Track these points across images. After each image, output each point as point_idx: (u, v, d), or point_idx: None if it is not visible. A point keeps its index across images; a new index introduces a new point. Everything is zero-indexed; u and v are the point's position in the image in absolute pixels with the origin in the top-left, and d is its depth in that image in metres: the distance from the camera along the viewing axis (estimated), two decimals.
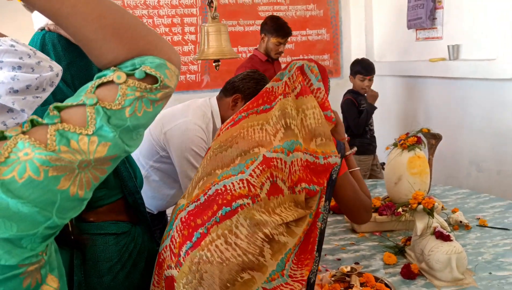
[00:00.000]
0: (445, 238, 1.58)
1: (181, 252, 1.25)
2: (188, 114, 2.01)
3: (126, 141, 0.70)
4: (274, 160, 1.29)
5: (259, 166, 1.28)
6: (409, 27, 3.66)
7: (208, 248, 1.21)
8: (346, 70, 4.59)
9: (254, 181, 1.26)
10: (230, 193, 1.26)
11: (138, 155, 2.05)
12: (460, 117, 3.39)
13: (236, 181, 1.27)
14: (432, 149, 2.24)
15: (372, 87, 3.50)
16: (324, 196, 1.36)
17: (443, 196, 2.51)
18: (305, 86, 1.43)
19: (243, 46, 4.31)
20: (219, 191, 1.28)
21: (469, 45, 3.22)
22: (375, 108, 3.46)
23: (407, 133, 2.18)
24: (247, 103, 1.49)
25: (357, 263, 1.74)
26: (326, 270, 1.67)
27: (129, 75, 0.70)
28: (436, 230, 1.62)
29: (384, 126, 3.82)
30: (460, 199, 2.45)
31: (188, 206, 1.33)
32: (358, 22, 4.47)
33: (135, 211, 1.38)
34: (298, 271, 1.28)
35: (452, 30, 3.37)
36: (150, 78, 0.71)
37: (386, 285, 1.51)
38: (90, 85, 0.70)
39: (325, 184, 1.35)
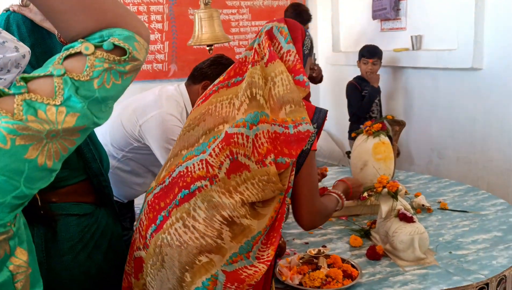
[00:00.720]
0: (408, 219, 1.64)
1: (147, 234, 1.27)
2: (162, 105, 1.99)
3: (95, 113, 0.69)
4: (235, 135, 1.24)
5: (219, 144, 1.25)
6: (374, 18, 3.73)
7: (168, 231, 1.22)
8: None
9: (212, 161, 1.24)
10: (190, 175, 1.25)
11: (109, 144, 2.01)
12: (422, 106, 3.49)
13: (197, 162, 1.25)
14: (396, 136, 2.31)
15: (337, 76, 3.57)
16: (295, 169, 1.31)
17: (406, 181, 2.59)
18: (272, 52, 1.33)
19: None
20: (182, 173, 1.27)
21: (431, 36, 3.32)
22: (378, 90, 3.49)
23: (373, 120, 2.24)
24: (221, 76, 1.43)
25: (324, 246, 1.78)
26: (294, 253, 1.70)
27: (97, 47, 0.69)
28: (400, 212, 1.68)
29: (346, 115, 3.88)
30: (423, 184, 2.54)
31: (155, 189, 1.33)
32: (325, 13, 4.52)
33: (100, 193, 1.38)
34: (266, 251, 1.28)
35: (415, 21, 3.46)
36: (118, 50, 0.70)
37: (353, 266, 1.55)
38: (58, 56, 0.69)
39: (297, 156, 1.28)
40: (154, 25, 4.15)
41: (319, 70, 3.62)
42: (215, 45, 4.39)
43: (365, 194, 1.98)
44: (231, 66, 1.42)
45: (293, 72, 1.33)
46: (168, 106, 1.98)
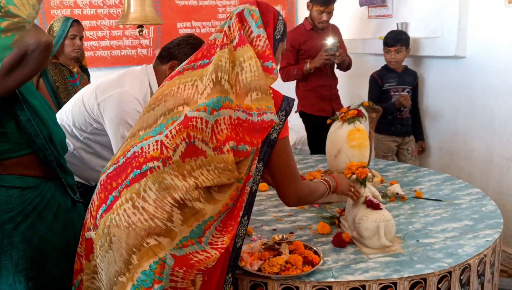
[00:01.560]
0: (375, 206, 1.61)
1: (97, 215, 1.25)
2: (124, 84, 1.92)
3: None
4: (194, 119, 1.21)
5: (177, 126, 1.22)
6: (361, 4, 3.68)
7: (117, 211, 1.20)
8: None
9: (168, 143, 1.21)
10: (144, 156, 1.23)
11: (71, 125, 1.96)
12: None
13: (152, 143, 1.23)
14: (372, 123, 2.27)
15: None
16: (257, 158, 1.30)
17: (385, 170, 2.57)
18: (242, 36, 1.30)
19: (197, 20, 4.23)
20: (136, 153, 1.25)
21: (416, 23, 3.27)
22: (394, 111, 3.15)
23: (349, 107, 2.20)
24: (189, 58, 1.39)
25: (291, 233, 1.75)
26: (260, 239, 1.68)
27: None
28: (367, 199, 1.65)
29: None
30: (401, 173, 2.51)
31: (109, 169, 1.30)
32: None
33: (47, 167, 1.40)
34: (220, 238, 1.25)
35: (402, 8, 3.40)
36: None
37: (315, 253, 1.53)
38: None
39: (260, 145, 1.28)
40: None
41: (342, 56, 3.20)
42: (202, 31, 4.33)
43: None
44: (200, 48, 1.38)
45: (262, 58, 1.30)
46: (130, 86, 1.91)
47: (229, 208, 1.28)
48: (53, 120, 1.48)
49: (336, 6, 4.23)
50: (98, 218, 1.24)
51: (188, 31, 4.13)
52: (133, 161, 1.24)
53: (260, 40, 1.30)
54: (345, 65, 3.34)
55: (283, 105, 1.32)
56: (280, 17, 1.39)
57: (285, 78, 3.33)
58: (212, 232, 1.25)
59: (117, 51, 4.05)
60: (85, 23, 3.82)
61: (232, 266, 1.32)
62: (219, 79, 1.24)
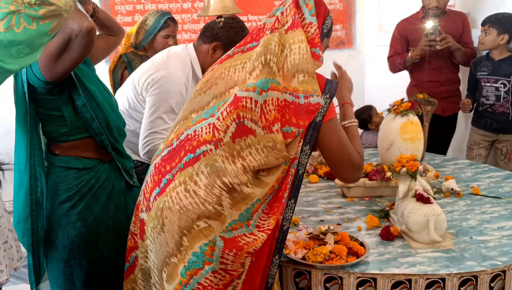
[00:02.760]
0: (425, 200, 1.57)
1: (151, 197, 1.29)
2: (169, 66, 1.98)
3: (2, 57, 0.68)
4: (244, 99, 1.23)
5: (227, 108, 1.24)
6: None
7: (170, 194, 1.23)
8: (359, 41, 4.50)
9: (219, 125, 1.24)
10: (197, 139, 1.26)
11: (128, 109, 2.06)
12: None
13: (205, 126, 1.26)
14: (427, 116, 2.20)
15: (383, 57, 3.34)
16: (303, 140, 1.29)
17: (441, 165, 2.47)
18: (297, 20, 1.32)
19: (253, 14, 4.26)
20: (189, 136, 1.28)
21: (478, 14, 3.10)
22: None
23: (402, 99, 2.14)
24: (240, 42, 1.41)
25: (338, 224, 1.74)
26: (307, 229, 1.68)
27: None
28: (417, 192, 1.60)
29: (394, 96, 3.74)
30: (458, 169, 2.41)
31: (163, 151, 1.34)
32: None
33: (103, 150, 1.48)
34: (267, 221, 1.27)
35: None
36: None
37: (361, 245, 1.51)
38: None
39: (306, 127, 1.28)
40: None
41: (446, 42, 2.84)
42: (258, 24, 4.38)
43: (389, 174, 1.91)
44: (251, 31, 1.41)
45: (310, 44, 1.32)
46: (174, 67, 1.96)
47: (274, 190, 1.29)
48: (112, 106, 1.55)
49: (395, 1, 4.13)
50: (152, 200, 1.29)
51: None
52: (186, 144, 1.28)
53: (311, 27, 1.33)
54: (459, 56, 2.95)
55: (326, 88, 1.32)
56: (330, 14, 1.43)
57: (392, 68, 3.17)
58: (259, 215, 1.27)
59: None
60: None
61: (278, 248, 1.32)
62: (268, 61, 1.25)
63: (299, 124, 1.26)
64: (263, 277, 1.30)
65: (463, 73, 3.15)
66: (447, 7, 3.08)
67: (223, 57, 1.43)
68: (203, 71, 2.02)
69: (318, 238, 1.55)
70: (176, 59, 2.02)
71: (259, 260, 1.28)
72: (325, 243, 1.50)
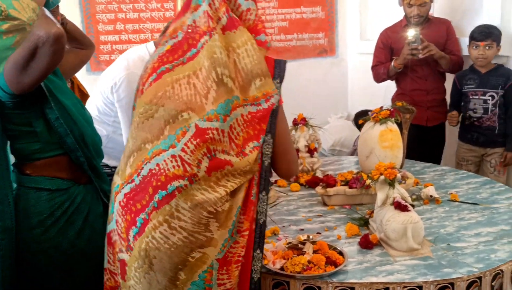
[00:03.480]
0: (403, 208, 1.58)
1: (129, 237, 1.22)
2: (129, 66, 1.98)
3: None
4: (209, 131, 1.15)
5: (192, 140, 1.15)
6: (400, 4, 3.58)
7: (152, 235, 1.16)
8: (342, 49, 4.54)
9: (188, 159, 1.15)
10: (164, 174, 1.16)
11: (99, 115, 2.06)
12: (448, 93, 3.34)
13: (169, 159, 1.17)
14: (406, 124, 2.22)
15: (365, 65, 3.36)
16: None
17: (421, 172, 2.50)
18: (231, 18, 1.20)
19: None
20: (153, 171, 1.18)
21: (457, 22, 3.16)
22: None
23: (381, 107, 2.16)
24: (170, 50, 1.25)
25: (318, 233, 1.75)
26: (286, 239, 1.68)
27: None
28: (395, 200, 1.61)
29: (376, 104, 3.77)
30: (438, 175, 2.43)
31: (123, 188, 1.24)
32: (353, 0, 4.40)
33: (78, 170, 1.39)
34: (244, 223, 1.24)
35: (443, 6, 3.30)
36: None
37: (340, 253, 1.51)
38: None
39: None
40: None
41: (428, 50, 2.78)
42: None
43: (369, 182, 1.92)
44: (183, 38, 1.23)
45: (253, 33, 1.23)
46: (134, 66, 1.95)
47: (246, 187, 1.25)
48: (87, 121, 1.48)
49: (375, 6, 4.18)
50: (131, 240, 1.21)
51: None
52: (152, 179, 1.18)
53: (250, 14, 1.23)
54: (444, 64, 2.87)
55: (276, 72, 1.26)
56: None
57: (376, 78, 3.12)
58: (238, 220, 1.23)
59: None
60: (128, 26, 3.96)
61: (258, 243, 1.29)
62: (220, 77, 1.17)
63: (263, 128, 1.22)
64: (247, 272, 1.29)
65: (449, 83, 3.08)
66: (430, 15, 3.04)
67: (156, 66, 1.26)
68: None
69: (296, 248, 1.55)
70: (135, 59, 2.00)
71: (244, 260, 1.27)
72: (303, 253, 1.50)
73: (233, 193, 1.22)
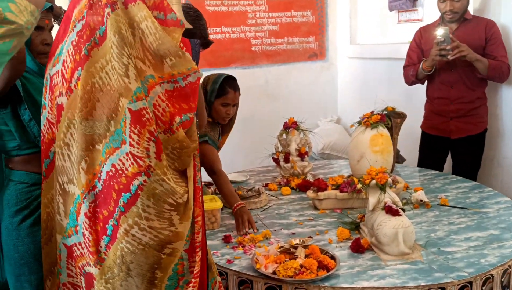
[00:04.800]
0: (394, 212, 1.59)
1: (100, 248, 1.18)
2: None
3: None
4: (144, 112, 1.08)
5: (132, 128, 1.09)
6: (390, 9, 3.63)
7: (125, 239, 1.14)
8: (331, 53, 4.56)
9: (138, 152, 1.10)
10: (124, 175, 1.12)
11: None
12: None
13: (124, 157, 1.12)
14: (397, 128, 2.24)
15: (355, 69, 3.36)
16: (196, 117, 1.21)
17: (411, 176, 2.52)
18: None
19: (227, 26, 4.27)
20: (110, 173, 1.14)
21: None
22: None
23: (372, 111, 2.17)
24: (80, 32, 1.15)
25: (310, 237, 1.75)
26: (278, 243, 1.68)
27: None
28: (386, 205, 1.62)
29: (366, 108, 3.80)
30: (428, 179, 2.45)
31: (85, 197, 1.18)
32: (343, 5, 4.43)
33: None
34: (195, 210, 1.23)
35: (432, 11, 3.33)
36: None
37: (332, 257, 1.51)
38: None
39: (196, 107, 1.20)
40: None
41: (459, 51, 2.46)
42: (232, 36, 4.36)
43: (360, 186, 1.93)
44: (87, 15, 1.13)
45: (162, 11, 1.14)
46: None
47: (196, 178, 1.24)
48: None
49: (365, 11, 4.20)
50: (103, 250, 1.18)
51: (218, 36, 4.18)
52: (112, 183, 1.14)
53: None
54: (481, 69, 2.52)
55: (193, 53, 1.23)
56: None
57: (405, 80, 2.85)
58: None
59: None
60: None
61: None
62: (130, 57, 1.09)
63: (191, 106, 1.17)
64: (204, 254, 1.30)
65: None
66: (472, 13, 2.72)
67: (73, 54, 1.17)
68: None
69: (288, 252, 1.54)
70: None
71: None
72: (295, 257, 1.50)
73: (186, 181, 1.20)
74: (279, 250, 1.56)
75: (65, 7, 1.66)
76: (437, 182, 2.41)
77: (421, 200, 2.05)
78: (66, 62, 1.18)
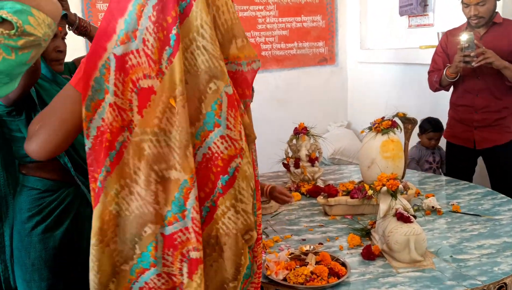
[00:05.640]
0: (405, 219, 1.57)
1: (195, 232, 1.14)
2: None
3: None
4: (234, 96, 1.08)
5: (229, 111, 1.08)
6: (400, 14, 3.62)
7: (222, 221, 1.13)
8: (342, 58, 4.56)
9: (234, 135, 1.10)
10: (220, 157, 1.11)
11: None
12: (447, 104, 3.35)
13: (218, 140, 1.10)
14: (408, 134, 2.22)
15: (365, 74, 3.37)
16: None
17: (422, 182, 2.50)
18: None
19: None
20: (207, 155, 1.12)
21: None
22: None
23: (383, 117, 2.16)
24: (153, 5, 1.05)
25: (320, 244, 1.74)
26: (288, 249, 1.67)
27: None
28: (397, 211, 1.61)
29: (376, 113, 3.79)
30: (439, 185, 2.43)
31: (194, 181, 1.13)
32: (353, 9, 4.43)
33: (67, 173, 1.46)
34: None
35: (443, 17, 3.32)
36: (8, 24, 0.69)
37: (343, 264, 1.51)
38: None
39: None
40: None
41: (485, 57, 2.35)
42: None
43: (370, 192, 1.92)
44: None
45: None
46: None
47: None
48: None
49: (376, 16, 4.20)
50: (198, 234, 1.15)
51: None
52: (209, 165, 1.13)
53: None
54: (510, 76, 2.40)
55: None
56: None
57: (430, 86, 2.75)
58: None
59: None
60: None
61: None
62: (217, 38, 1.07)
63: (247, 93, 1.16)
64: None
65: None
66: (503, 17, 2.55)
67: (155, 32, 1.07)
68: None
69: (299, 259, 1.54)
70: None
71: None
72: (306, 264, 1.49)
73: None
74: (289, 256, 1.55)
75: (78, 13, 1.68)
76: (448, 188, 2.39)
77: (433, 207, 2.04)
78: (149, 41, 1.07)
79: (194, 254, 1.14)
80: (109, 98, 1.04)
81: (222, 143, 1.10)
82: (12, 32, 0.70)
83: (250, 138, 1.16)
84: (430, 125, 3.10)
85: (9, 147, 1.45)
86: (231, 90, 1.08)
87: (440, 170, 3.13)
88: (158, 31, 1.06)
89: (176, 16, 1.04)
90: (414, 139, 2.50)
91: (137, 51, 1.06)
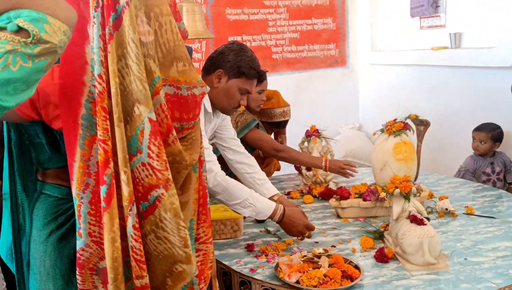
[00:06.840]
0: (419, 222, 1.57)
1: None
2: None
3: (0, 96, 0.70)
4: (159, 121, 1.03)
5: (152, 139, 1.02)
6: (412, 15, 3.60)
7: (145, 241, 1.13)
8: (352, 60, 4.56)
9: (157, 165, 1.04)
10: (140, 184, 1.08)
11: None
12: (460, 106, 3.33)
13: (139, 166, 1.06)
14: (420, 136, 2.21)
15: (376, 76, 3.37)
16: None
17: (436, 184, 2.48)
18: None
19: (248, 34, 4.30)
20: (134, 175, 1.09)
21: (471, 33, 3.15)
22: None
23: (395, 119, 2.15)
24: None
25: (333, 246, 1.74)
26: (301, 252, 1.67)
27: (1, 29, 0.70)
28: (411, 214, 1.60)
29: (388, 115, 3.78)
30: (452, 187, 2.42)
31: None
32: (364, 11, 4.42)
33: None
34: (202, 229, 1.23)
35: (455, 18, 3.30)
36: (25, 32, 0.71)
37: (356, 267, 1.50)
38: None
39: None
40: None
41: None
42: (252, 44, 4.40)
43: (383, 195, 1.91)
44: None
45: (174, 15, 1.08)
46: None
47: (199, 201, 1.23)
48: None
49: (386, 17, 4.19)
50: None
51: None
52: (135, 185, 1.10)
53: None
54: None
55: None
56: None
57: None
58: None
59: None
60: None
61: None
62: (146, 57, 1.01)
63: (189, 117, 1.11)
64: None
65: None
66: None
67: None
68: (212, 103, 1.95)
69: (312, 261, 1.54)
70: None
71: None
72: (319, 266, 1.49)
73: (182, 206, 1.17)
74: (302, 259, 1.55)
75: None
76: (462, 190, 2.37)
77: (446, 209, 2.02)
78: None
79: (138, 282, 1.14)
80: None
81: (143, 170, 1.06)
82: (29, 40, 0.71)
83: (181, 165, 1.11)
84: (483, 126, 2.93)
85: (27, 155, 1.44)
86: (155, 117, 1.03)
87: (505, 180, 3.00)
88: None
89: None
90: (427, 140, 2.48)
91: (99, 75, 1.02)
